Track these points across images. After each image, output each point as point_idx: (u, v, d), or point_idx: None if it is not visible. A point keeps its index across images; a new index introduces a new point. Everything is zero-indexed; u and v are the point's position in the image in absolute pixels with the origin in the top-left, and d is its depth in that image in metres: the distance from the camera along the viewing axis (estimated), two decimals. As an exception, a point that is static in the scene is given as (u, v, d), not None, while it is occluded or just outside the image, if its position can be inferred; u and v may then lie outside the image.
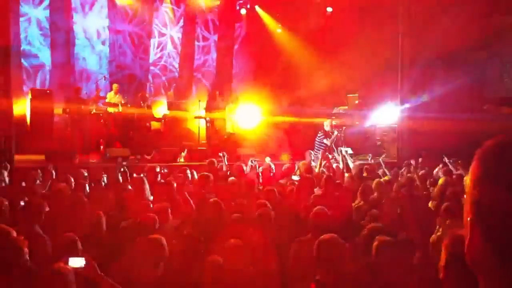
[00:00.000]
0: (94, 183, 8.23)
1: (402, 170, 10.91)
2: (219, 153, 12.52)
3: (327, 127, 12.96)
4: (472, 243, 1.07)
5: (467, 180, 1.11)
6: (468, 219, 1.08)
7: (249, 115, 15.33)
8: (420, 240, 5.16)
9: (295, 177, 9.06)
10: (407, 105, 15.70)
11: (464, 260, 1.10)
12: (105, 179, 8.66)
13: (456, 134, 12.75)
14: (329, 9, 18.07)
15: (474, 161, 1.09)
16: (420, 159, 11.82)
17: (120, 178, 8.57)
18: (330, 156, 12.31)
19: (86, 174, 8.72)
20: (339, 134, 13.12)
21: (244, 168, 10.01)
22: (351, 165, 10.93)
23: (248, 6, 19.03)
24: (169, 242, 4.66)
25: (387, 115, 16.01)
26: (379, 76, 15.87)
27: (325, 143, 12.72)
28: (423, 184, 8.73)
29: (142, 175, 8.30)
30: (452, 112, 14.05)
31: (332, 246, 3.87)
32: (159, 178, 8.64)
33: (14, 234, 3.88)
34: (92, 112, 14.02)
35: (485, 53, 15.80)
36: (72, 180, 7.97)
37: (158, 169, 9.34)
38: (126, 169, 8.87)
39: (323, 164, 11.10)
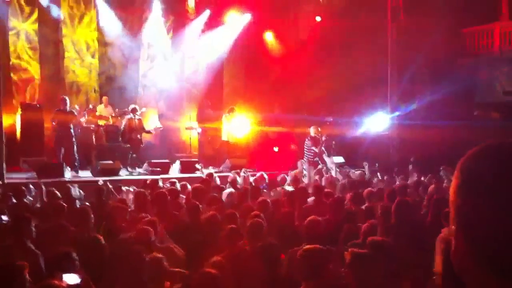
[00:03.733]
0: (85, 197, 8.21)
1: (391, 177, 10.95)
2: (196, 165, 12.59)
3: (313, 134, 13.06)
4: (457, 251, 1.08)
5: (450, 189, 1.12)
6: (453, 226, 1.10)
7: (240, 124, 15.34)
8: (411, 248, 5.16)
9: (289, 188, 9.07)
10: (397, 113, 15.80)
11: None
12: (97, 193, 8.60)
13: (447, 141, 12.84)
14: (318, 18, 18.15)
15: (456, 170, 1.10)
16: (410, 166, 11.89)
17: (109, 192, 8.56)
18: (320, 164, 12.39)
19: (76, 188, 8.68)
20: (325, 138, 13.18)
21: (239, 179, 10.04)
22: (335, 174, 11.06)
23: (238, 16, 19.04)
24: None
25: (377, 123, 16.08)
26: (369, 84, 15.96)
27: (314, 150, 12.80)
28: (416, 192, 8.77)
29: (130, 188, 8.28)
30: (442, 119, 14.15)
31: (315, 256, 3.87)
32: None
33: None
34: (82, 125, 13.99)
35: (472, 59, 15.96)
36: (59, 194, 7.95)
37: (160, 183, 9.27)
38: (109, 184, 8.83)
39: (313, 173, 11.18)
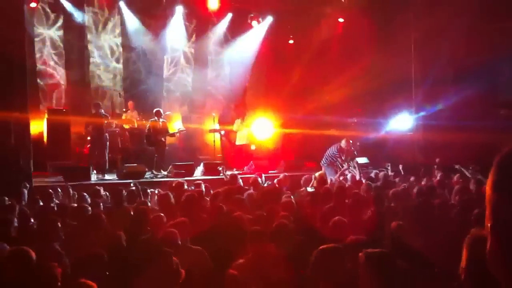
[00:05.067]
0: (111, 200, 8.28)
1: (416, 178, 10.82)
2: (218, 167, 12.62)
3: (343, 145, 12.69)
4: (492, 249, 1.07)
5: (487, 186, 1.11)
6: (488, 224, 1.08)
7: (263, 127, 15.36)
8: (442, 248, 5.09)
9: (310, 189, 9.04)
10: (422, 113, 15.64)
11: (485, 261, 1.09)
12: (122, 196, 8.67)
13: (472, 141, 12.66)
14: (341, 20, 18.07)
15: (493, 166, 1.09)
16: (435, 167, 11.74)
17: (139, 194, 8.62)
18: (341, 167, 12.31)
19: (102, 191, 8.77)
20: (352, 149, 12.93)
21: (260, 180, 10.05)
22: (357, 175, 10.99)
23: (260, 19, 19.08)
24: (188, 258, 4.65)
25: (402, 123, 15.94)
26: (393, 84, 15.81)
27: (336, 159, 12.59)
28: (442, 192, 8.64)
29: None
30: (467, 119, 13.96)
31: (330, 256, 3.79)
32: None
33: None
34: (108, 129, 14.15)
35: (496, 57, 15.69)
36: (88, 198, 8.05)
37: (186, 186, 9.30)
38: (139, 186, 8.90)
39: (334, 176, 11.15)
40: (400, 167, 12.07)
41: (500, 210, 1.05)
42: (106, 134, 13.39)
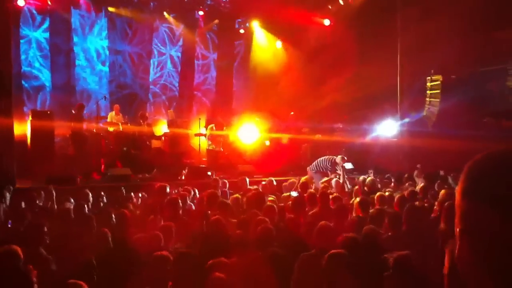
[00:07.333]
0: (95, 203, 8.24)
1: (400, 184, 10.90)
2: (208, 172, 12.60)
3: (338, 161, 12.63)
4: (461, 254, 1.10)
5: (456, 192, 1.14)
6: (457, 230, 1.11)
7: (248, 132, 15.38)
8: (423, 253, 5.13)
9: (294, 193, 9.07)
10: (406, 120, 15.76)
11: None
12: (104, 199, 8.64)
13: (455, 148, 12.76)
14: (327, 22, 18.17)
15: (462, 174, 1.12)
16: (415, 172, 11.80)
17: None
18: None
19: (88, 194, 8.71)
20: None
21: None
22: (346, 181, 11.01)
23: (247, 25, 19.15)
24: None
25: (387, 130, 16.05)
26: (380, 91, 15.91)
27: (323, 170, 12.57)
28: (424, 198, 8.71)
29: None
30: (452, 127, 14.09)
31: (340, 261, 3.79)
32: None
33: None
34: (93, 132, 14.09)
35: (484, 67, 15.86)
36: (72, 200, 8.00)
37: (168, 189, 9.25)
38: (123, 190, 8.87)
39: (320, 181, 11.17)
40: (370, 172, 12.12)
41: (468, 216, 1.08)
42: (88, 137, 13.31)
